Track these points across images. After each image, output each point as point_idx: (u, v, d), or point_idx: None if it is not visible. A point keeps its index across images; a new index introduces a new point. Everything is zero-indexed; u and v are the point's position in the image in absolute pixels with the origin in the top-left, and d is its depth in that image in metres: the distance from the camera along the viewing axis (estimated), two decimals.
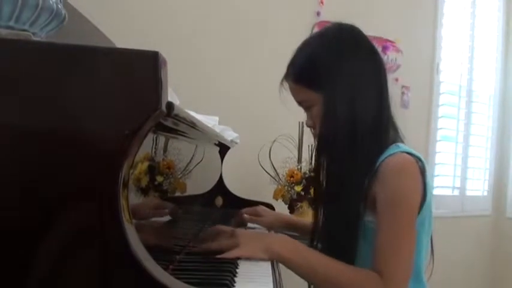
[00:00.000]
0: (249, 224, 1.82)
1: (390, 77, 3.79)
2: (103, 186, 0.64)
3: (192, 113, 1.89)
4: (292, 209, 2.81)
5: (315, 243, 1.40)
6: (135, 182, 1.67)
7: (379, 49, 3.69)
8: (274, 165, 2.89)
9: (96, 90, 0.62)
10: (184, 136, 1.59)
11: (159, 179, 1.98)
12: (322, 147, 1.35)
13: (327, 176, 1.34)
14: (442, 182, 4.16)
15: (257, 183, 2.90)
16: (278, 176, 2.89)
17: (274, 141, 2.90)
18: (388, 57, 3.80)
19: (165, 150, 1.18)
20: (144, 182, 1.78)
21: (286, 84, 1.38)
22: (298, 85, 1.32)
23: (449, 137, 4.18)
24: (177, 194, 1.84)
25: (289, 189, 2.82)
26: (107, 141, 0.64)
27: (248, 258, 1.21)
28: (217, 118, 2.03)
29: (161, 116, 0.65)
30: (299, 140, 2.93)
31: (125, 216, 0.65)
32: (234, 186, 2.41)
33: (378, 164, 1.24)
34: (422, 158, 1.28)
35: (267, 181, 2.87)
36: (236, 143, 2.07)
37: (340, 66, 1.28)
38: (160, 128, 0.98)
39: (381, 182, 1.22)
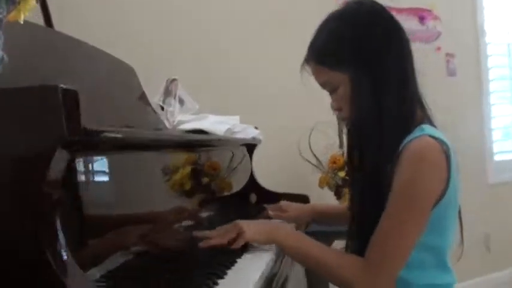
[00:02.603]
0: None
1: (432, 46, 3.69)
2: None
3: (212, 116, 1.93)
4: (339, 195, 2.78)
5: (352, 229, 1.37)
6: (178, 186, 1.76)
7: (416, 20, 3.62)
8: (316, 154, 2.86)
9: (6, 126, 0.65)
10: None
11: (205, 180, 2.04)
12: (352, 129, 1.33)
13: (358, 159, 1.32)
14: (503, 147, 4.00)
15: (300, 174, 2.88)
16: (321, 164, 2.87)
17: (313, 129, 2.87)
18: (428, 27, 3.69)
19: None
20: (188, 185, 1.84)
21: (309, 69, 1.36)
22: (320, 66, 1.29)
23: (504, 98, 4.01)
24: (218, 194, 1.88)
25: (333, 175, 2.79)
26: (22, 169, 0.67)
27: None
28: (237, 117, 2.04)
29: (71, 140, 0.68)
30: (339, 124, 2.89)
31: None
32: (276, 180, 2.42)
33: (401, 147, 1.21)
34: (447, 141, 1.23)
35: (309, 171, 2.85)
36: (260, 140, 2.08)
37: (361, 44, 1.25)
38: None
39: (399, 167, 1.19)
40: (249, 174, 2.15)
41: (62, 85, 0.65)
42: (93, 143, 0.99)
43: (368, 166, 1.27)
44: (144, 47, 2.47)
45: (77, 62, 1.53)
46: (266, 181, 2.24)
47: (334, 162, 2.80)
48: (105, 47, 1.75)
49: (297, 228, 1.83)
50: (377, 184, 1.24)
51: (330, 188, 2.82)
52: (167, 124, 1.95)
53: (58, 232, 0.68)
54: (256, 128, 2.08)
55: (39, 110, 0.67)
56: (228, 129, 1.85)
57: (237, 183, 2.10)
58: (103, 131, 0.82)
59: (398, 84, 1.26)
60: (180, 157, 1.65)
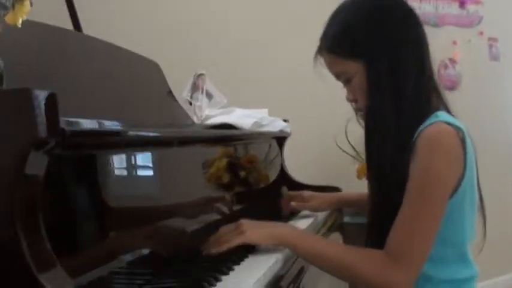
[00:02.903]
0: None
1: (474, 31, 3.58)
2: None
3: (239, 110, 1.92)
4: None
5: (371, 222, 1.34)
6: (216, 179, 1.77)
7: (456, 5, 3.51)
8: (353, 144, 2.82)
9: None
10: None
11: (242, 174, 2.04)
12: (369, 120, 1.30)
13: (375, 151, 1.29)
14: None
15: (337, 165, 2.85)
16: (359, 154, 2.83)
17: (350, 119, 2.83)
18: (468, 11, 3.59)
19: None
20: (226, 178, 1.85)
21: (322, 60, 1.33)
22: (334, 56, 1.27)
23: None
24: (252, 187, 1.88)
25: None
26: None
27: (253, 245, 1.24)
28: (266, 110, 2.03)
29: (45, 141, 0.69)
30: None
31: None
32: (311, 173, 2.40)
33: (416, 135, 1.18)
34: (463, 127, 1.19)
35: (346, 163, 2.82)
36: (288, 132, 2.06)
37: (375, 31, 1.22)
38: None
39: (415, 156, 1.16)
40: (279, 167, 2.13)
41: (36, 88, 0.66)
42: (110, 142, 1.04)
43: (385, 156, 1.24)
44: (172, 42, 2.48)
45: (101, 62, 1.55)
46: (301, 174, 2.22)
47: None
48: (132, 43, 1.77)
49: (329, 219, 1.82)
50: (394, 174, 1.20)
51: None
52: (195, 119, 1.96)
53: (38, 233, 0.68)
54: (285, 120, 2.06)
55: (15, 113, 0.69)
56: (255, 123, 1.84)
57: (269, 176, 2.09)
58: (85, 131, 0.82)
59: (415, 71, 1.23)
60: (213, 151, 1.66)
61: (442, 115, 1.20)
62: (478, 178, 1.25)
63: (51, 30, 1.39)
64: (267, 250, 1.27)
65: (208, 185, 1.59)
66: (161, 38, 2.43)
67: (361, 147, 2.75)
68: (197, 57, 2.44)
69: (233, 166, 1.79)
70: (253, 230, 1.22)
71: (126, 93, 1.59)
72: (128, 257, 1.03)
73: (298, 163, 2.26)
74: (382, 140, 1.24)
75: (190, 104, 1.98)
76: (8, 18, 0.82)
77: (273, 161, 2.10)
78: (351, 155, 2.83)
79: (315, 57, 1.31)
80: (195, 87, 2.00)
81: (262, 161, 2.04)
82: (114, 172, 1.08)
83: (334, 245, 1.25)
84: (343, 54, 1.26)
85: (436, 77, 1.28)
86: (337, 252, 1.19)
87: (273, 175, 2.09)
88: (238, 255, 1.22)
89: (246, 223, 1.24)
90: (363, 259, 1.17)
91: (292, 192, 1.80)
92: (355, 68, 1.24)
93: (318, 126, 2.86)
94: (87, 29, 1.92)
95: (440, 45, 3.00)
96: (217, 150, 1.69)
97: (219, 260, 1.17)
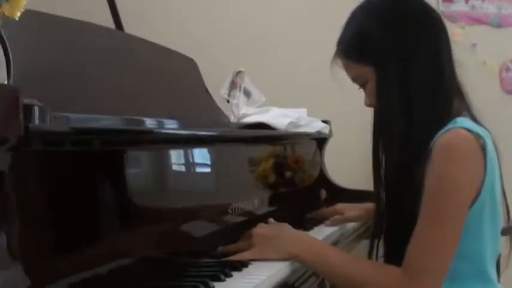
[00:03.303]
0: None
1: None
2: None
3: (275, 109, 1.87)
4: None
5: (376, 237, 1.27)
6: (263, 178, 1.74)
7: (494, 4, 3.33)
8: None
9: None
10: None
11: (288, 174, 2.00)
12: (378, 127, 1.24)
13: (384, 159, 1.23)
14: None
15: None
16: None
17: None
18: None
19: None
20: (272, 178, 1.82)
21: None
22: (348, 60, 1.24)
23: None
24: (285, 189, 1.84)
25: None
26: None
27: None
28: (304, 110, 1.97)
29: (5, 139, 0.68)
30: None
31: None
32: (354, 177, 2.31)
33: (432, 143, 1.11)
34: (485, 134, 1.11)
35: None
36: (327, 133, 1.99)
37: (386, 35, 1.17)
38: None
39: (430, 164, 1.09)
40: (318, 170, 2.06)
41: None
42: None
43: (394, 166, 1.17)
44: (212, 40, 2.46)
45: (135, 58, 1.54)
46: (342, 177, 2.15)
47: None
48: (173, 43, 1.76)
49: (360, 227, 1.74)
50: (404, 185, 1.14)
51: None
52: (232, 117, 1.93)
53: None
54: (325, 121, 1.99)
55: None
56: (291, 123, 1.78)
57: (307, 179, 2.03)
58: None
59: (430, 75, 1.15)
60: (249, 150, 1.64)
61: (461, 121, 1.12)
62: (503, 188, 1.16)
63: (85, 26, 1.41)
64: None
65: (248, 183, 1.58)
66: (201, 36, 2.41)
67: None
68: (236, 56, 2.40)
69: (274, 165, 1.76)
70: (260, 246, 1.19)
71: (160, 89, 1.57)
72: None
73: (339, 166, 2.18)
74: (390, 147, 1.18)
75: (228, 101, 1.95)
76: (6, 10, 0.81)
77: (312, 163, 2.04)
78: None
79: (332, 60, 1.26)
80: (233, 85, 1.96)
81: (301, 163, 1.98)
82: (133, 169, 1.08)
83: (351, 262, 1.17)
84: (356, 59, 1.22)
85: (459, 79, 1.20)
86: (355, 270, 1.14)
87: (311, 177, 2.03)
88: None
89: (256, 236, 1.22)
90: (379, 276, 1.12)
91: (326, 210, 1.73)
92: (369, 72, 1.20)
93: (361, 128, 2.76)
94: (129, 28, 1.92)
95: (502, 46, 2.90)
96: (252, 150, 1.65)
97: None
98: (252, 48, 2.51)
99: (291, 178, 1.90)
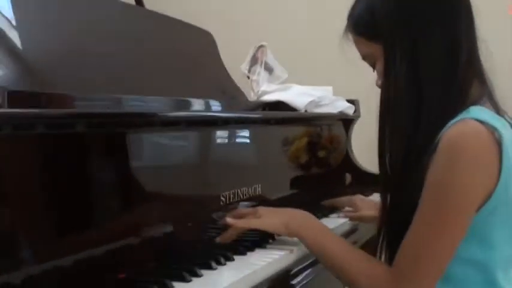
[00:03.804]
0: None
1: None
2: None
3: (297, 87, 1.75)
4: None
5: (381, 233, 1.15)
6: (294, 159, 1.66)
7: None
8: None
9: None
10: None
11: (321, 154, 1.90)
12: (383, 112, 1.12)
13: (389, 147, 1.10)
14: None
15: None
16: None
17: None
18: None
19: None
20: (304, 158, 1.73)
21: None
22: (357, 37, 1.12)
23: None
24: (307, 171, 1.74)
25: None
26: None
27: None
28: (330, 88, 1.84)
29: None
30: None
31: None
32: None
33: (440, 135, 0.97)
34: (502, 126, 0.96)
35: None
36: (353, 114, 1.85)
37: (397, 11, 1.04)
38: None
39: (434, 158, 0.96)
40: (344, 152, 1.94)
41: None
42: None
43: (397, 158, 1.04)
44: (233, 14, 2.34)
45: (145, 32, 1.46)
46: (373, 161, 2.01)
47: None
48: (195, 17, 1.67)
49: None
50: (408, 181, 1.01)
51: None
52: (252, 94, 1.82)
53: None
54: (351, 101, 1.86)
55: None
56: (312, 102, 1.67)
57: (331, 162, 1.91)
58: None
59: (445, 57, 1.01)
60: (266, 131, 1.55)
61: (475, 110, 0.97)
62: None
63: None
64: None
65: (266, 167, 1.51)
66: (223, 8, 2.30)
67: None
68: (259, 29, 2.28)
69: (296, 149, 1.67)
70: (267, 217, 1.19)
71: (171, 64, 1.49)
72: None
73: (367, 149, 2.04)
74: (393, 135, 1.05)
75: (248, 78, 1.84)
76: None
77: (336, 146, 1.92)
78: None
79: (343, 34, 1.14)
80: (254, 60, 1.85)
81: (324, 145, 1.86)
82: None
83: (340, 244, 1.12)
84: (366, 36, 1.10)
85: (481, 61, 1.05)
86: (341, 253, 1.09)
87: (336, 161, 1.91)
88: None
89: (262, 209, 1.22)
90: (367, 271, 1.04)
91: (343, 198, 1.61)
92: (378, 51, 1.07)
93: None
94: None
95: None
96: (270, 132, 1.55)
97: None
98: (276, 21, 2.39)
99: (312, 161, 1.79)
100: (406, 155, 1.02)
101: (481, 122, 0.93)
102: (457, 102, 1.00)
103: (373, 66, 1.12)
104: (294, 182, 1.64)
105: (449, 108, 0.99)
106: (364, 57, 1.13)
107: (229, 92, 1.66)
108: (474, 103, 0.99)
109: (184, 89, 1.41)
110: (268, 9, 2.45)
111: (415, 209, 0.98)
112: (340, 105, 1.76)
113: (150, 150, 1.10)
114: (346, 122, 1.92)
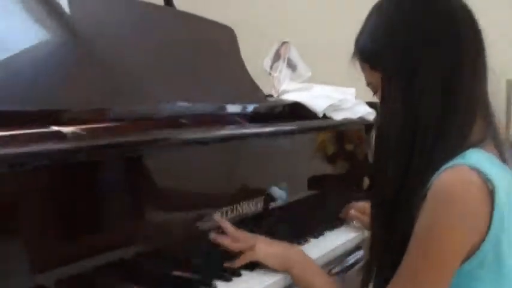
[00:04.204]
0: None
1: None
2: None
3: (317, 87, 1.72)
4: None
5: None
6: (321, 151, 1.65)
7: None
8: None
9: None
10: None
11: (349, 147, 1.87)
12: (377, 144, 1.06)
13: (382, 184, 1.06)
14: None
15: None
16: None
17: None
18: None
19: None
20: (331, 150, 1.71)
21: None
22: (362, 63, 1.07)
23: None
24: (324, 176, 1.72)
25: None
26: None
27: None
28: (353, 90, 1.80)
29: None
30: (507, 101, 2.47)
31: None
32: None
33: (433, 179, 0.92)
34: (498, 174, 0.91)
35: None
36: (369, 120, 1.81)
37: (394, 41, 0.99)
38: None
39: (424, 204, 0.92)
40: (363, 156, 1.90)
41: None
42: None
43: (389, 198, 1.00)
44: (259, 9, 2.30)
45: (166, 32, 1.45)
46: None
47: None
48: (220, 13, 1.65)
49: None
50: (399, 221, 0.97)
51: None
52: (273, 92, 1.79)
53: None
54: (372, 104, 1.80)
55: None
56: (331, 106, 1.62)
57: (350, 165, 1.88)
58: None
59: (443, 93, 0.95)
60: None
61: (471, 155, 0.92)
62: None
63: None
64: None
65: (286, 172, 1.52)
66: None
67: None
68: (284, 27, 2.24)
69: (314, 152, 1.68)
70: (265, 250, 1.19)
71: (194, 65, 1.48)
72: None
73: None
74: (385, 173, 1.00)
75: (270, 74, 1.81)
76: None
77: (356, 149, 1.89)
78: None
79: (351, 59, 1.09)
80: (277, 56, 1.82)
81: (345, 149, 1.84)
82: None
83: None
84: (369, 63, 1.04)
85: (488, 97, 0.99)
86: None
87: (354, 164, 1.88)
88: None
89: (260, 240, 1.21)
90: None
91: (359, 204, 1.59)
92: (378, 80, 1.02)
93: None
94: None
95: None
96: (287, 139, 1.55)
97: None
98: (300, 19, 2.34)
99: (332, 165, 1.77)
100: (396, 197, 0.98)
101: (476, 169, 0.89)
102: (455, 144, 0.94)
103: (376, 94, 1.07)
104: (312, 183, 1.63)
105: (445, 150, 0.94)
106: (368, 84, 1.08)
107: (245, 95, 1.63)
108: (475, 144, 0.94)
109: (203, 92, 1.42)
110: (294, 8, 2.40)
111: (404, 250, 0.95)
112: (361, 110, 1.71)
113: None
114: (368, 125, 1.87)
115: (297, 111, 1.61)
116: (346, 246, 1.47)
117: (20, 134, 0.82)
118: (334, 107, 1.64)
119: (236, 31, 1.70)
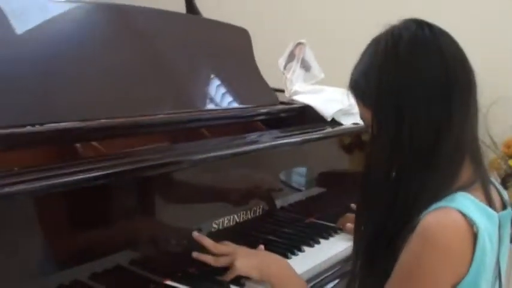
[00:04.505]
0: None
1: None
2: None
3: (328, 90, 1.74)
4: (505, 185, 2.40)
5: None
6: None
7: None
8: (491, 133, 2.48)
9: None
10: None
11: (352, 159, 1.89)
12: (362, 183, 1.07)
13: (367, 222, 1.07)
14: None
15: None
16: (496, 146, 2.49)
17: (493, 104, 2.48)
18: None
19: None
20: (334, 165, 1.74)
21: None
22: (355, 98, 1.07)
23: None
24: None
25: (504, 162, 2.42)
26: None
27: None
28: None
29: None
30: None
31: None
32: None
33: (422, 215, 0.94)
34: (483, 219, 0.93)
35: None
36: None
37: (385, 78, 0.98)
38: None
39: (411, 238, 0.94)
40: None
41: None
42: None
43: (372, 232, 1.02)
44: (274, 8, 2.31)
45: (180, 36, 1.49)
46: None
47: (509, 147, 2.42)
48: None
49: None
50: (382, 252, 1.00)
51: (499, 174, 2.45)
52: (286, 93, 1.82)
53: None
54: None
55: None
56: (340, 110, 1.65)
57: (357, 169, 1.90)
58: None
59: (432, 139, 0.96)
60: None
61: (461, 199, 0.93)
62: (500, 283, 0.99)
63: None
64: None
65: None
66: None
67: (498, 138, 2.45)
68: (300, 29, 2.25)
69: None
70: (243, 262, 1.19)
71: (205, 67, 1.53)
72: None
73: None
74: (370, 212, 1.03)
75: (284, 74, 1.84)
76: None
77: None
78: (487, 145, 2.50)
79: (348, 90, 1.09)
80: (291, 57, 1.84)
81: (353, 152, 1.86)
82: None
83: None
84: (361, 100, 1.05)
85: (478, 141, 0.99)
86: None
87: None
88: None
89: (239, 252, 1.21)
90: None
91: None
92: (369, 116, 1.02)
93: None
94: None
95: None
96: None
97: None
98: (315, 21, 2.34)
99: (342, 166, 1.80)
100: (381, 231, 1.00)
101: (462, 213, 0.91)
102: (442, 187, 0.96)
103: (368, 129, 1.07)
104: (322, 182, 1.66)
105: (431, 192, 0.95)
106: (362, 120, 1.09)
107: (259, 99, 1.65)
108: (463, 187, 0.96)
109: (219, 97, 1.50)
110: (309, 8, 2.41)
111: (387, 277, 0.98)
112: None
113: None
114: None
115: (307, 114, 1.65)
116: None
117: None
118: (343, 112, 1.67)
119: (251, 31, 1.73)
